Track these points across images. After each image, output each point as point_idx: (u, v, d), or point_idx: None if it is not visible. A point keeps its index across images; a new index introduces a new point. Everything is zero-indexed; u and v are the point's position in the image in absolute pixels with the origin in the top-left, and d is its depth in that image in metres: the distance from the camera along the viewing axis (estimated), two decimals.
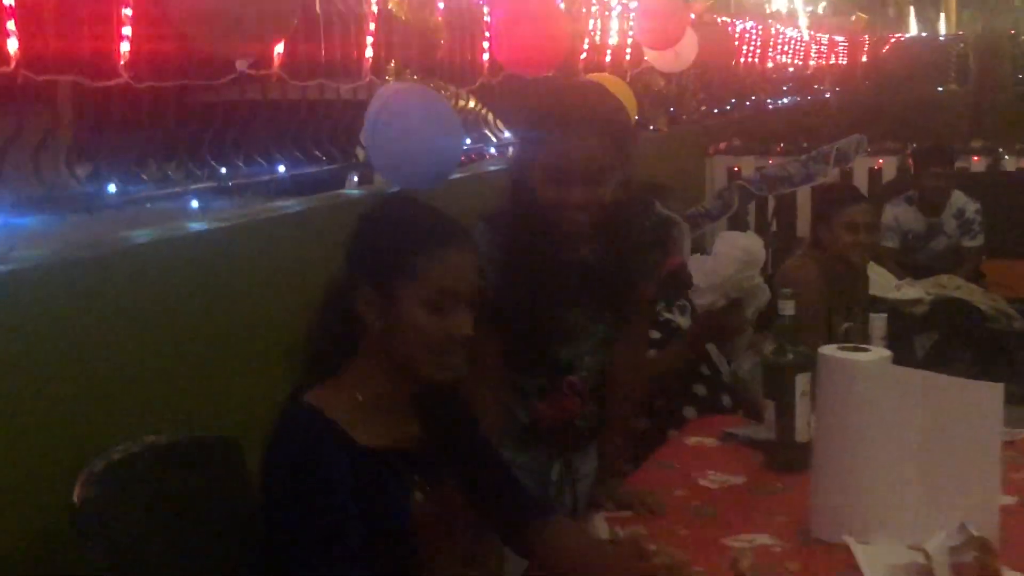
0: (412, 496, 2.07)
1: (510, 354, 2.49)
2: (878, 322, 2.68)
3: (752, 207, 6.55)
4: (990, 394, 2.21)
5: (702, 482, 2.75)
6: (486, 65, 4.52)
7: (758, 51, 10.12)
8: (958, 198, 6.19)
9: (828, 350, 2.38)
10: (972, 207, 6.17)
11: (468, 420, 2.24)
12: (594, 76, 5.37)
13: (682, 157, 7.42)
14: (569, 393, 2.58)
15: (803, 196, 6.70)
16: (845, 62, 14.97)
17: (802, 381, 2.74)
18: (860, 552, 2.24)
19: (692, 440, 3.08)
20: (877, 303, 4.46)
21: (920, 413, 2.25)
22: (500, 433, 2.45)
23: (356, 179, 4.10)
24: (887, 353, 2.34)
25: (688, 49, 6.09)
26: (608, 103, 2.57)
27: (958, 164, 6.87)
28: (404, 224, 2.06)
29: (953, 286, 5.29)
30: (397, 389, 2.07)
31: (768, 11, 11.59)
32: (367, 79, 3.73)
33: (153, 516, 2.08)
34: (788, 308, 2.79)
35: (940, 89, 15.83)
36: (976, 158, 7.69)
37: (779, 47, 11.16)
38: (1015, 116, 12.31)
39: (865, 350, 2.37)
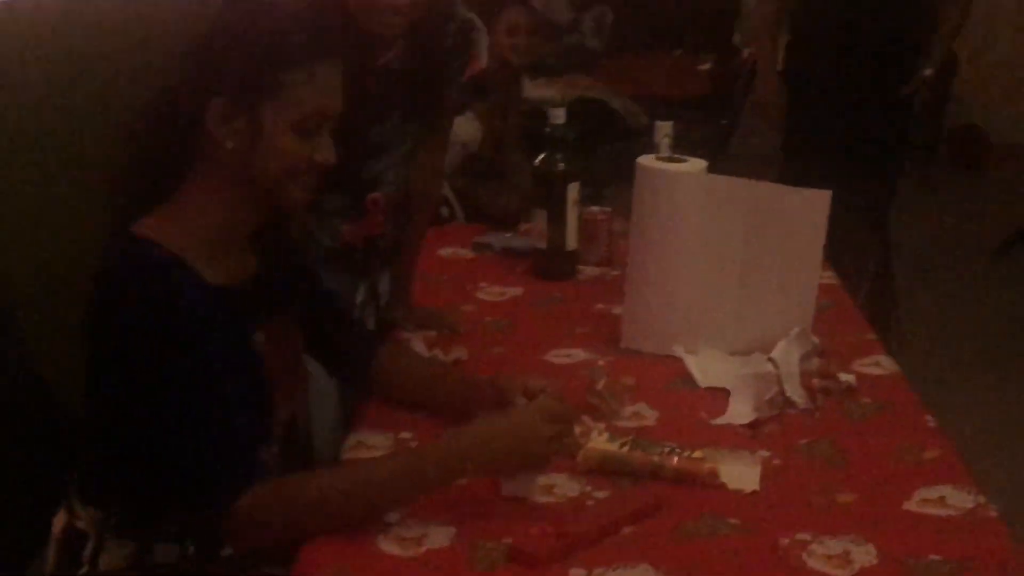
0: (255, 336, 1.76)
1: None
2: (664, 129, 2.52)
3: None
4: (817, 201, 2.12)
5: (481, 296, 2.56)
6: None
7: None
8: (599, 5, 6.15)
9: (645, 160, 2.22)
10: (610, 16, 6.20)
11: (300, 256, 1.93)
12: None
13: None
14: (373, 211, 2.28)
15: None
16: None
17: (573, 190, 2.58)
18: (692, 363, 2.13)
19: (446, 252, 2.85)
20: None
21: (741, 222, 2.15)
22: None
23: None
24: (703, 163, 2.19)
25: None
26: None
27: None
28: (270, 31, 1.68)
29: (583, 87, 5.25)
30: (240, 219, 1.73)
31: None
32: None
33: None
34: (558, 117, 2.60)
35: None
36: None
37: None
38: None
39: (681, 160, 2.21)
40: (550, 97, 5.07)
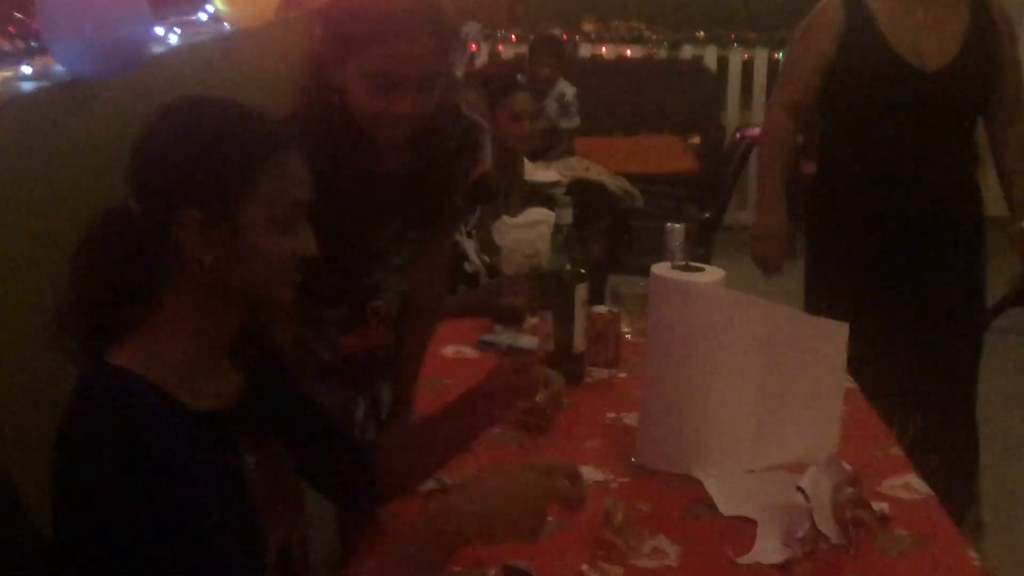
0: (244, 460, 1.53)
1: (308, 283, 1.88)
2: (675, 233, 2.27)
3: None
4: (835, 332, 1.88)
5: None
6: None
7: None
8: (560, 84, 6.03)
9: (661, 269, 1.98)
10: (571, 91, 6.06)
11: (285, 369, 1.70)
12: None
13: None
14: (375, 320, 2.03)
15: None
16: None
17: (581, 291, 2.35)
18: (713, 486, 1.88)
19: (449, 350, 2.59)
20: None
21: (761, 340, 1.90)
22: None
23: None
24: (720, 273, 1.95)
25: None
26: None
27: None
28: (228, 133, 1.45)
29: (581, 168, 5.04)
30: (219, 331, 1.50)
31: None
32: None
33: None
34: (566, 216, 2.36)
35: None
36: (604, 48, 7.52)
37: None
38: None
39: (699, 269, 1.97)
40: (551, 180, 4.87)
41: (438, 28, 1.85)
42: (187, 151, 1.41)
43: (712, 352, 1.91)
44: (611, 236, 4.80)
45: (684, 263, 2.01)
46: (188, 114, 1.46)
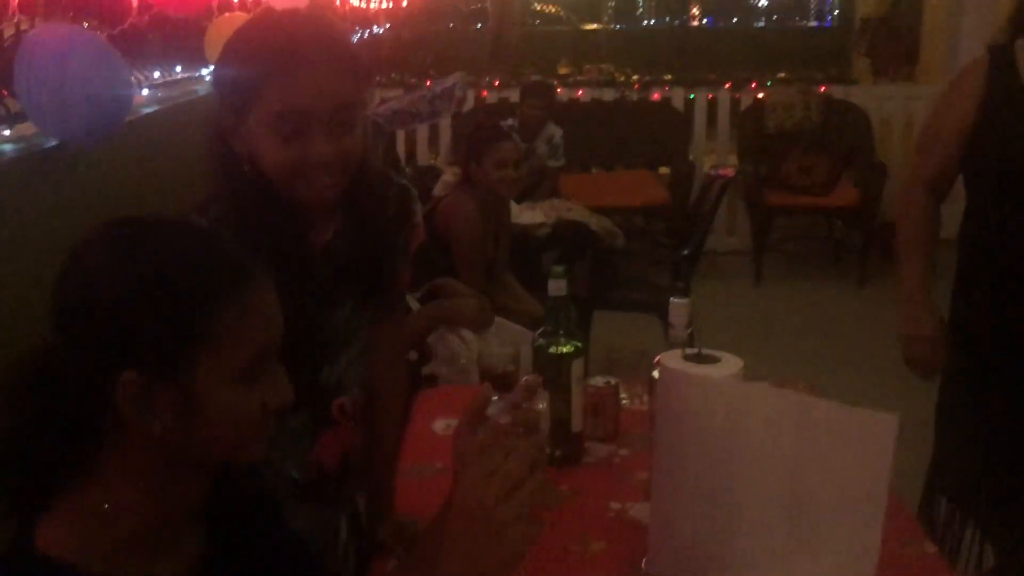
0: None
1: None
2: (680, 308, 1.80)
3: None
4: (883, 426, 1.42)
5: None
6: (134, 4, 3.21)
7: None
8: (549, 127, 5.62)
9: (671, 361, 1.53)
10: (558, 133, 5.69)
11: (262, 512, 1.22)
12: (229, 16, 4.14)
13: None
14: (342, 420, 1.57)
15: (422, 130, 5.89)
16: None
17: (578, 367, 1.90)
18: None
19: (439, 426, 2.14)
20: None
21: (788, 441, 1.44)
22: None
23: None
24: (739, 363, 1.51)
25: None
26: (339, 29, 1.53)
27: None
28: (175, 271, 0.99)
29: (564, 208, 4.62)
30: (177, 501, 1.04)
31: None
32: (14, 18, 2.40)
33: None
34: (560, 289, 1.90)
35: (479, 26, 15.11)
36: (580, 92, 7.07)
37: None
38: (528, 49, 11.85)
39: (715, 359, 1.53)
40: (537, 222, 4.47)
41: (335, 53, 1.40)
42: (123, 295, 0.97)
43: (732, 453, 1.46)
44: (595, 274, 4.37)
45: (696, 351, 1.56)
46: (127, 243, 1.01)
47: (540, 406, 1.30)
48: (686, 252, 4.47)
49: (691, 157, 6.88)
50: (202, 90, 3.27)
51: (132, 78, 2.79)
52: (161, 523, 1.03)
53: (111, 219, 1.04)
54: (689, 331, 1.76)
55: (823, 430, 1.43)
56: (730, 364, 1.54)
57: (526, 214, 4.40)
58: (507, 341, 2.72)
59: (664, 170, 6.88)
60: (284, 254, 1.40)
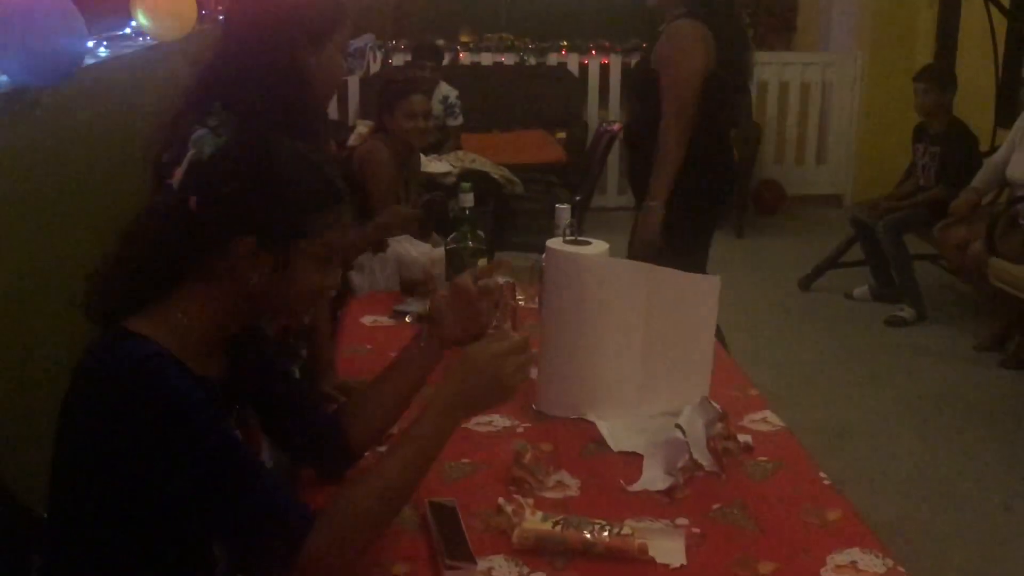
0: (234, 431, 1.46)
1: None
2: (563, 212, 2.26)
3: None
4: (708, 286, 1.88)
5: None
6: None
7: None
8: (442, 87, 5.95)
9: (554, 243, 1.97)
10: (453, 94, 5.99)
11: (266, 351, 1.62)
12: None
13: None
14: None
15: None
16: None
17: (483, 263, 2.32)
18: (604, 428, 1.88)
19: (368, 320, 2.55)
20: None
21: (642, 301, 1.90)
22: None
23: None
24: (605, 245, 1.95)
25: None
26: None
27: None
28: (298, 179, 1.41)
29: (468, 159, 5.00)
30: (227, 328, 1.46)
31: None
32: None
33: None
34: (467, 200, 2.33)
35: None
36: (462, 54, 7.45)
37: None
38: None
39: (587, 243, 1.96)
40: (444, 171, 4.83)
41: None
42: (259, 186, 1.37)
43: (601, 313, 1.91)
44: (497, 218, 4.77)
45: (574, 238, 2.00)
46: (265, 149, 1.41)
47: (501, 280, 1.73)
48: (578, 198, 4.90)
49: (585, 119, 7.30)
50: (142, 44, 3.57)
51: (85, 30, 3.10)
52: (210, 339, 1.42)
53: (257, 130, 1.45)
54: (568, 224, 2.19)
55: (666, 290, 1.88)
56: (599, 246, 1.97)
57: (434, 164, 4.77)
58: (424, 252, 3.08)
59: (560, 134, 7.28)
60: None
